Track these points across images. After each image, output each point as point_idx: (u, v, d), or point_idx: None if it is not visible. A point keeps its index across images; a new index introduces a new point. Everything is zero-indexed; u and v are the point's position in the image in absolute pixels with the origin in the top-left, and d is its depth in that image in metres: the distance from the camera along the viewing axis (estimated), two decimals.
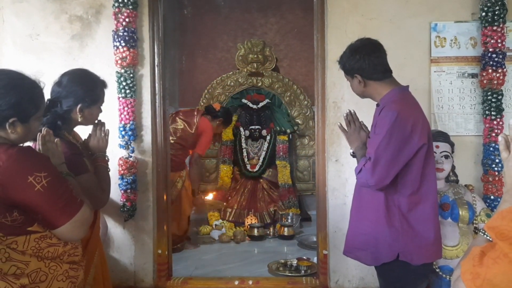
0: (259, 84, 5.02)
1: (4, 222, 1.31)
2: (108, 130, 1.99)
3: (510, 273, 0.72)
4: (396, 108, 1.72)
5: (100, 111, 1.96)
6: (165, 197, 2.90)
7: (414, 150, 1.73)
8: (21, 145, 1.45)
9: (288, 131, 4.99)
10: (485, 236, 0.93)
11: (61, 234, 1.41)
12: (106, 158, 1.97)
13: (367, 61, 1.82)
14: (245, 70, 5.02)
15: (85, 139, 1.99)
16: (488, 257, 0.77)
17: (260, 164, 4.96)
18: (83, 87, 1.85)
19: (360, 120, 2.03)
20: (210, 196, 4.66)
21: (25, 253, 1.35)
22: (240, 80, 5.03)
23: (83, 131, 2.03)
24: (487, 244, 0.83)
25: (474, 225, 2.36)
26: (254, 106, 4.94)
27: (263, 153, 5.00)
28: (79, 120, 1.87)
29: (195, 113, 4.04)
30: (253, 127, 4.99)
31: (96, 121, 1.97)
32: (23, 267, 1.34)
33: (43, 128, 1.62)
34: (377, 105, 1.90)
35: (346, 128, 2.01)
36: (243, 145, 5.04)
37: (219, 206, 4.62)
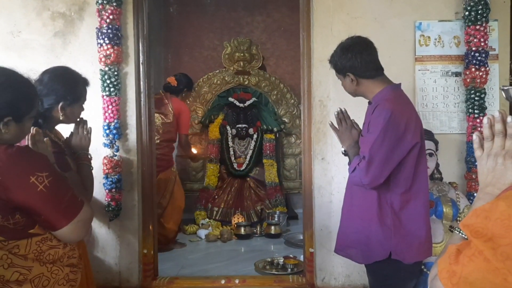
0: (246, 83, 5.01)
1: (6, 226, 1.26)
2: (90, 128, 1.96)
3: (485, 270, 0.73)
4: (390, 107, 1.72)
5: (82, 109, 1.94)
6: (151, 196, 2.88)
7: (407, 148, 1.73)
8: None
9: (275, 129, 4.99)
10: (460, 234, 0.94)
11: (63, 236, 1.37)
12: (89, 156, 1.95)
13: (359, 59, 1.80)
14: (232, 68, 5.01)
15: (67, 137, 1.96)
16: (463, 255, 0.77)
17: (247, 162, 4.95)
18: (65, 85, 1.83)
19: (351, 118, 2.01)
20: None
21: (27, 257, 1.31)
22: (226, 78, 5.01)
23: (66, 129, 2.00)
24: (463, 242, 0.84)
25: (458, 221, 2.39)
26: (241, 105, 4.93)
27: (250, 151, 4.98)
28: (61, 118, 1.84)
29: (164, 101, 3.93)
30: (240, 125, 4.97)
31: (78, 119, 1.94)
32: (26, 273, 1.30)
33: (32, 128, 1.58)
34: (369, 103, 1.89)
35: (337, 126, 1.99)
36: (230, 143, 5.02)
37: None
